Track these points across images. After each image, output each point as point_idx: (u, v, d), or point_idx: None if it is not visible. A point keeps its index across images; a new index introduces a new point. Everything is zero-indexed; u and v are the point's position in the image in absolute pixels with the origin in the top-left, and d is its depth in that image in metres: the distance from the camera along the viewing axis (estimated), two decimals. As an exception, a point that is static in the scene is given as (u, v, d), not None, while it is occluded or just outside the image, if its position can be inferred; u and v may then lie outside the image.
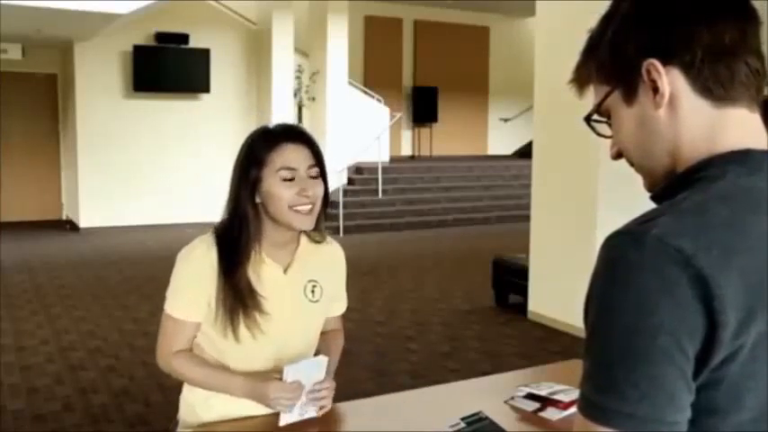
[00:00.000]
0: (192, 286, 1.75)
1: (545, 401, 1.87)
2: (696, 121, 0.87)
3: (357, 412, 1.95)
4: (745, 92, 0.86)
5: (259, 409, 1.76)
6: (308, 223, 1.74)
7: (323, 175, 1.76)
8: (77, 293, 6.80)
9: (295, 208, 1.70)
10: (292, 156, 1.71)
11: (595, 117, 0.95)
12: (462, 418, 1.64)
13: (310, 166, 1.73)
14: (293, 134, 1.74)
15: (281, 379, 1.69)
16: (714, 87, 0.85)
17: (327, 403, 1.75)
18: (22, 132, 11.07)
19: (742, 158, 0.85)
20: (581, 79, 0.95)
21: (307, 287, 1.83)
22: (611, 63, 0.90)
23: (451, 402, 1.75)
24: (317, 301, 1.84)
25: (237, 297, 1.71)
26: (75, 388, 4.34)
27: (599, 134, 0.97)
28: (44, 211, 11.30)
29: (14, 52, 10.58)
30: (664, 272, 0.75)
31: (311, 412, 1.74)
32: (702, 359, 0.75)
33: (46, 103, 11.33)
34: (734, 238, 0.78)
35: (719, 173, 0.84)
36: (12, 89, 10.81)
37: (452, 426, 1.63)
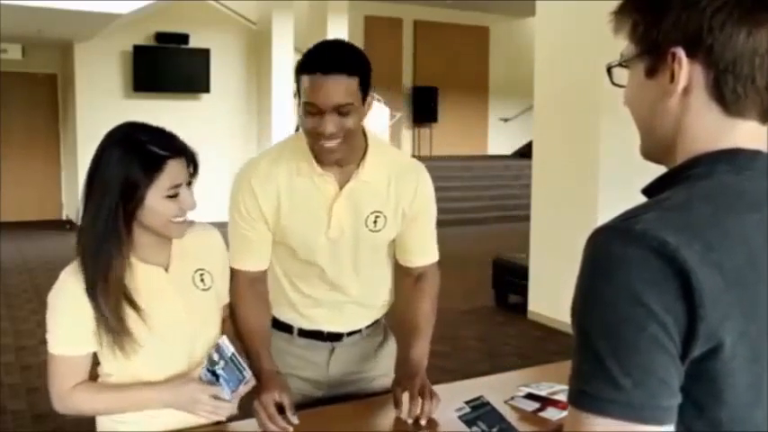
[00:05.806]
0: (72, 317, 1.68)
1: (545, 401, 1.88)
2: (703, 121, 0.86)
3: (357, 412, 1.95)
4: (760, 103, 0.85)
5: (189, 420, 1.72)
6: (183, 232, 1.72)
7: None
8: (77, 293, 6.79)
9: (174, 221, 1.68)
10: (177, 172, 1.66)
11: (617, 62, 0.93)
12: (466, 402, 1.71)
13: (187, 178, 1.71)
14: (176, 149, 1.68)
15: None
16: (728, 95, 0.84)
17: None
18: (22, 132, 11.06)
19: (730, 157, 0.85)
20: (618, 22, 0.92)
21: (195, 277, 1.79)
22: (644, 32, 0.88)
23: (451, 402, 1.75)
24: (208, 288, 1.81)
25: (113, 315, 1.65)
26: (74, 388, 4.34)
27: (614, 83, 0.96)
28: (44, 211, 11.30)
29: (14, 52, 10.58)
30: (649, 264, 0.75)
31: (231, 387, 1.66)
32: (683, 350, 0.76)
33: (46, 103, 11.32)
34: (714, 236, 0.78)
35: (706, 171, 0.85)
36: (12, 89, 10.80)
37: (458, 409, 1.69)
